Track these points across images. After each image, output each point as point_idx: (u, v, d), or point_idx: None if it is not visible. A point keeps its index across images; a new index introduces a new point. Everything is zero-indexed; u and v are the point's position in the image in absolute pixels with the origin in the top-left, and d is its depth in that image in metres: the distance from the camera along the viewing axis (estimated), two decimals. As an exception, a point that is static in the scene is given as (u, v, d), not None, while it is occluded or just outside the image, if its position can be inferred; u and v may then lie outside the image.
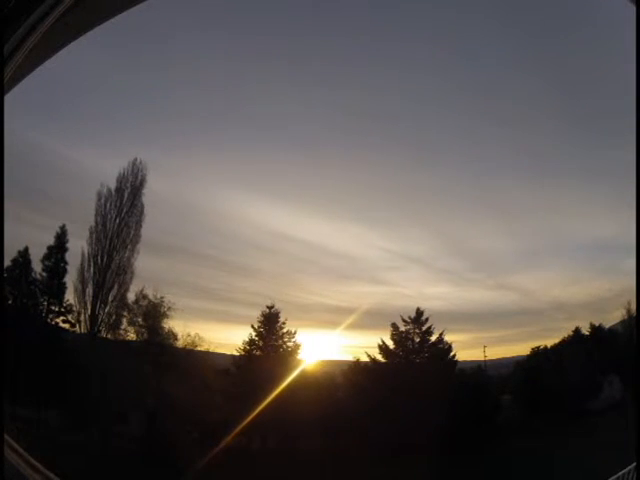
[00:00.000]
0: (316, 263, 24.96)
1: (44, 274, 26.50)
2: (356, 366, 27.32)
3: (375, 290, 18.96)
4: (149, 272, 25.16)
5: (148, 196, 25.19)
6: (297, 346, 26.72)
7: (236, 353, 26.59)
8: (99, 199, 27.31)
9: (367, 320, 23.99)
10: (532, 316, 26.91)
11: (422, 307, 26.30)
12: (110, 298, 26.74)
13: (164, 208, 25.22)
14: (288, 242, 23.42)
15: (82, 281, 26.75)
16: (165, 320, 25.70)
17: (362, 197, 23.46)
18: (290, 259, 24.03)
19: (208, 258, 24.35)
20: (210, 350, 25.96)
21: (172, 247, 24.91)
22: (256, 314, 25.13)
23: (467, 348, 30.28)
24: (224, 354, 27.12)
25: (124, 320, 26.37)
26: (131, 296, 26.58)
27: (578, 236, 23.10)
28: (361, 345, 25.63)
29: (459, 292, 25.71)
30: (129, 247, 27.27)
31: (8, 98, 3.65)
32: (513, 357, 29.96)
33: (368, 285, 20.39)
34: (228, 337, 23.01)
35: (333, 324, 23.33)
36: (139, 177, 27.83)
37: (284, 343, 26.68)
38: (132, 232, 27.44)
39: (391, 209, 23.65)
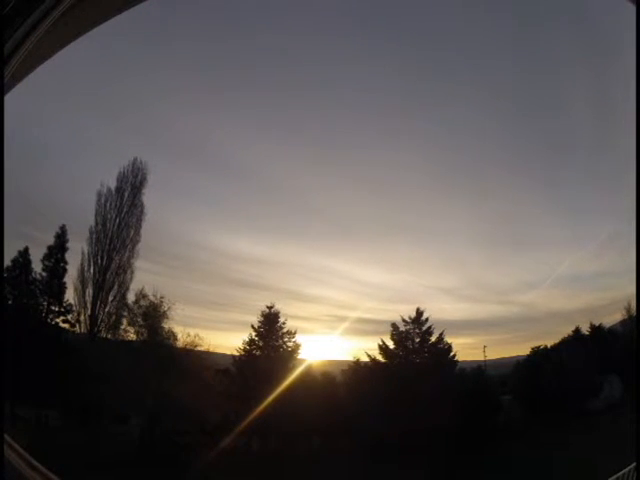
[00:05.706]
0: (373, 296, 33.89)
1: (44, 274, 26.53)
2: (356, 366, 27.35)
3: (410, 307, 27.00)
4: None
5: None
6: (297, 346, 26.74)
7: (236, 353, 26.61)
8: (99, 199, 27.35)
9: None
10: (532, 322, 31.57)
11: (439, 318, 27.81)
12: (110, 298, 26.77)
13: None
14: (355, 284, 35.03)
15: (82, 281, 26.78)
16: (165, 320, 25.72)
17: (413, 253, 33.80)
18: (358, 294, 34.15)
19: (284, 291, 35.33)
20: (210, 350, 25.98)
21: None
22: (314, 326, 30.14)
23: (469, 349, 33.66)
24: (224, 354, 27.16)
25: (124, 320, 26.38)
26: (131, 296, 26.64)
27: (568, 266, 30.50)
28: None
29: (470, 307, 33.68)
30: (129, 247, 27.31)
31: (8, 98, 3.64)
32: (513, 357, 30.01)
33: (406, 305, 28.30)
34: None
35: (364, 332, 30.70)
36: (139, 176, 27.83)
37: (284, 343, 26.68)
38: (132, 232, 27.46)
39: (431, 261, 33.60)
